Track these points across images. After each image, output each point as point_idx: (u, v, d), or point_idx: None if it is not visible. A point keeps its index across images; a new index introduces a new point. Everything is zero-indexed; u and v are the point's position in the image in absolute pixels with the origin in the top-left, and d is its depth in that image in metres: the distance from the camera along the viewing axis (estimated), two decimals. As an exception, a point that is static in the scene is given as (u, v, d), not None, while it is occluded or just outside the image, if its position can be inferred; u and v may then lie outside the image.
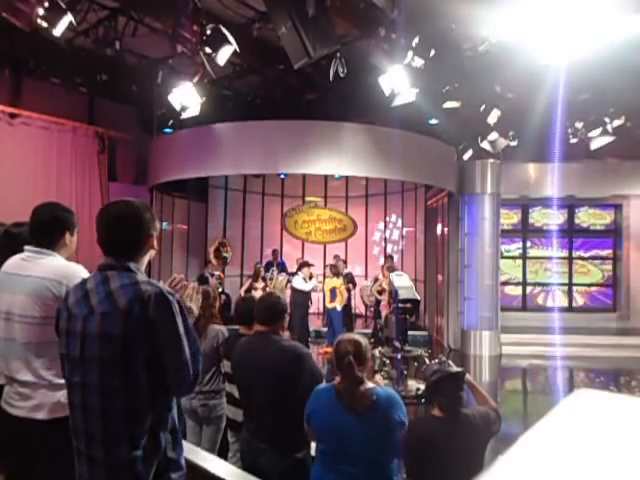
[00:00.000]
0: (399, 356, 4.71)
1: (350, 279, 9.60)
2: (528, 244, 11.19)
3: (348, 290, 9.22)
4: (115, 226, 1.76)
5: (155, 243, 1.83)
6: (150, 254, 1.83)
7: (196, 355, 1.69)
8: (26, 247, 2.14)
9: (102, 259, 1.76)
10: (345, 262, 10.47)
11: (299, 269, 8.84)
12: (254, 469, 2.50)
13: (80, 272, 2.11)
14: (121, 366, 1.61)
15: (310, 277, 8.66)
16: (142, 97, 8.92)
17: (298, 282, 8.46)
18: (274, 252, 11.39)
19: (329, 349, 8.43)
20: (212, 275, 9.87)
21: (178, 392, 1.73)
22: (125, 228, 1.75)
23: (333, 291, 8.69)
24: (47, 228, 2.16)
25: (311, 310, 9.12)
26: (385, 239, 12.65)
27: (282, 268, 10.51)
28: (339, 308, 8.65)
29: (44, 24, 5.56)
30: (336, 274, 8.87)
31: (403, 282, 4.90)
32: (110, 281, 1.67)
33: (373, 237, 12.79)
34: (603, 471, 0.77)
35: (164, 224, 10.40)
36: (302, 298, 8.45)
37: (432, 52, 5.92)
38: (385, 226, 12.64)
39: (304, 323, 8.68)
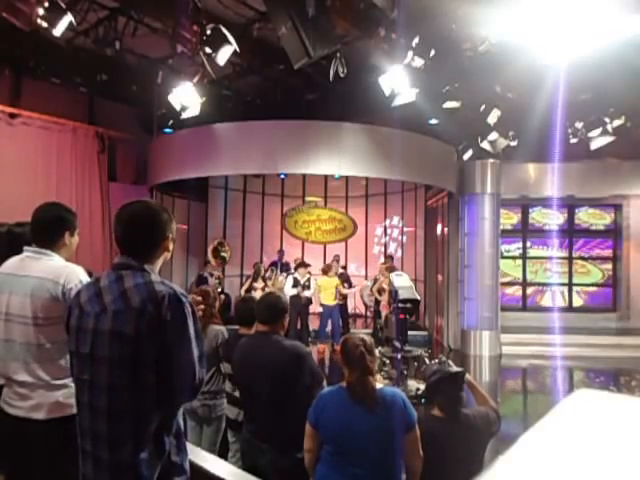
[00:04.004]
0: (399, 356, 4.69)
1: (345, 279, 9.64)
2: (528, 244, 11.19)
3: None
4: (131, 226, 1.76)
5: (170, 246, 1.82)
6: (164, 256, 1.83)
7: (202, 360, 1.70)
8: (25, 247, 2.14)
9: (117, 258, 1.76)
10: (338, 261, 10.46)
11: (295, 269, 8.87)
12: (254, 469, 2.50)
13: (78, 273, 2.11)
14: (130, 365, 1.60)
15: (308, 279, 8.69)
16: (142, 97, 8.91)
17: (287, 286, 8.47)
18: (280, 252, 11.38)
19: (324, 346, 8.49)
20: (211, 275, 9.86)
21: (182, 395, 1.70)
22: (141, 228, 1.75)
23: (336, 289, 8.78)
24: (47, 228, 2.17)
25: (311, 310, 9.13)
26: (385, 239, 12.65)
27: (286, 268, 10.51)
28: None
29: (44, 24, 5.56)
30: (335, 272, 8.98)
31: (403, 282, 4.89)
32: (124, 280, 1.67)
33: (373, 237, 12.79)
34: (603, 471, 0.77)
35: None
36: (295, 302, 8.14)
37: (432, 52, 5.91)
38: (385, 226, 12.64)
39: (303, 325, 8.71)
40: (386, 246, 12.56)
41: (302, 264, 8.93)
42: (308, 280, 8.71)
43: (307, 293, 8.67)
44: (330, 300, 8.80)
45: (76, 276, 2.08)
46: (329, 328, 8.97)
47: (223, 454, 3.38)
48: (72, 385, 1.89)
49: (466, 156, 9.23)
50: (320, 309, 9.12)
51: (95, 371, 1.64)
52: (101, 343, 1.63)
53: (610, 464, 0.79)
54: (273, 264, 10.72)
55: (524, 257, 11.19)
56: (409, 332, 4.94)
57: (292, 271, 9.24)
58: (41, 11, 5.43)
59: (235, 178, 11.50)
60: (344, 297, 9.31)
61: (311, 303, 9.00)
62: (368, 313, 11.29)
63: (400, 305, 4.67)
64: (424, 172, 9.06)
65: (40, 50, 7.70)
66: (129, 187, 10.09)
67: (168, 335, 1.61)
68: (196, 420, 3.58)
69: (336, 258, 10.42)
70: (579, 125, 8.48)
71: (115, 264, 1.74)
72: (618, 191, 10.22)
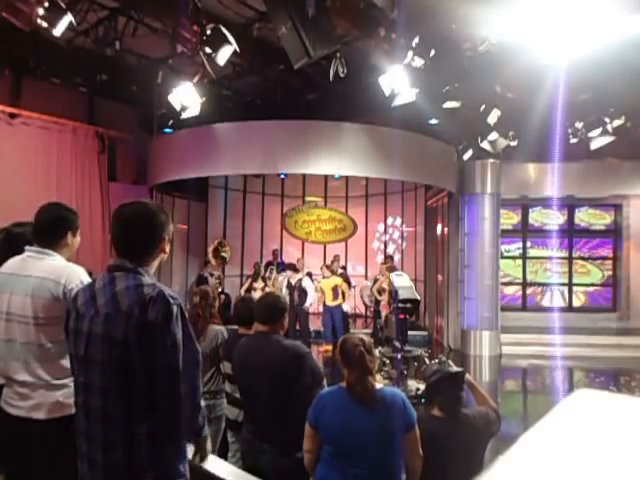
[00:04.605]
0: (399, 356, 4.70)
1: (345, 279, 9.64)
2: (528, 244, 11.19)
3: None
4: (128, 226, 1.74)
5: (167, 247, 1.80)
6: (161, 258, 1.81)
7: (194, 368, 1.66)
8: (27, 247, 2.14)
9: (112, 260, 1.75)
10: (338, 261, 10.45)
11: (283, 270, 8.91)
12: (255, 469, 2.50)
13: (79, 273, 2.11)
14: (121, 368, 1.60)
15: (299, 280, 8.71)
16: (142, 97, 8.91)
17: (282, 290, 8.58)
18: (274, 252, 11.40)
19: (329, 347, 8.48)
20: (211, 275, 9.87)
21: (167, 403, 1.61)
22: (138, 229, 1.73)
23: (335, 289, 8.74)
24: (49, 228, 2.17)
25: (311, 310, 9.13)
26: (385, 239, 12.66)
27: (282, 268, 10.52)
28: (345, 307, 8.74)
29: (44, 24, 5.56)
30: (333, 272, 8.95)
31: (403, 282, 4.89)
32: (116, 282, 1.66)
33: (374, 237, 12.79)
34: (603, 471, 0.77)
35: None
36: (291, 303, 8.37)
37: (432, 52, 5.91)
38: (385, 226, 12.64)
39: (303, 325, 8.73)
40: (386, 244, 12.57)
41: (292, 267, 8.95)
42: (299, 281, 8.70)
43: (309, 299, 8.67)
44: (329, 300, 8.80)
45: (77, 276, 2.08)
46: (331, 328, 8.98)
47: (223, 454, 3.38)
48: (72, 385, 1.90)
49: (466, 156, 9.23)
50: (321, 309, 9.14)
51: (89, 373, 1.64)
52: (94, 346, 1.63)
53: (610, 464, 0.79)
54: (269, 264, 10.72)
55: (524, 257, 11.19)
56: (409, 332, 4.94)
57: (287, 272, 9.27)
58: (41, 11, 5.43)
59: (235, 178, 11.50)
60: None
61: (305, 303, 8.99)
62: (368, 313, 11.29)
63: (400, 305, 4.67)
64: (424, 172, 9.06)
65: (40, 50, 7.69)
66: (129, 187, 10.09)
67: (152, 336, 1.58)
68: (196, 420, 3.57)
69: (336, 258, 10.43)
70: (579, 125, 8.48)
71: (110, 266, 1.73)
72: (618, 191, 10.22)
